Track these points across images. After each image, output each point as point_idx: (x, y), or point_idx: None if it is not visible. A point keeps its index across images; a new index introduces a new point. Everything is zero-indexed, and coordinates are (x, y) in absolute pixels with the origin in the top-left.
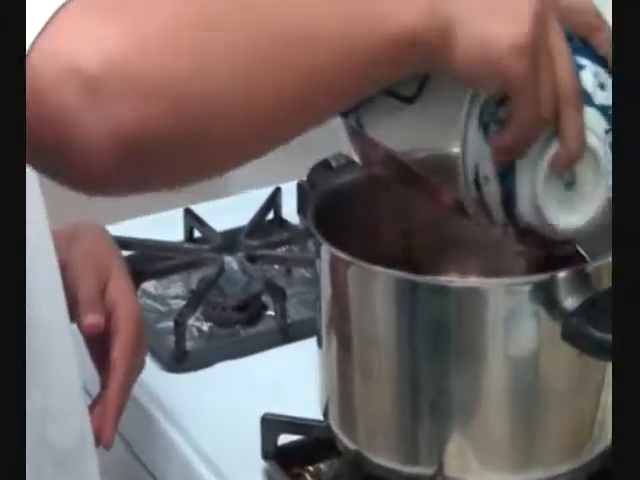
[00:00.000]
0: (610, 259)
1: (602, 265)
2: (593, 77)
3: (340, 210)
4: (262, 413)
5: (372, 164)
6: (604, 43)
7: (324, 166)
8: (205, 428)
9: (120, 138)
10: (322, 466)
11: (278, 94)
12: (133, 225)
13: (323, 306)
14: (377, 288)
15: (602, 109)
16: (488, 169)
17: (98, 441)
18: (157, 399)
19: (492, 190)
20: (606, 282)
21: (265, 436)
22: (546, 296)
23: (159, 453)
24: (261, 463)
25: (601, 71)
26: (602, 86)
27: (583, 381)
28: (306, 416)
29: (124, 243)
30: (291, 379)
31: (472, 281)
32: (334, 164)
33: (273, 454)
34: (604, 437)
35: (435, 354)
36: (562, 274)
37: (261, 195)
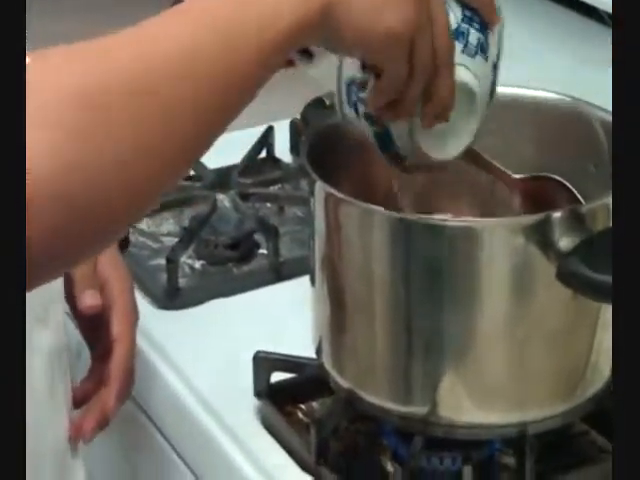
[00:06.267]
0: (604, 200)
1: (597, 206)
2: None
3: (334, 149)
4: (255, 351)
5: None
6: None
7: (318, 104)
8: (197, 366)
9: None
10: (314, 404)
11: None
12: None
13: (316, 244)
14: (371, 227)
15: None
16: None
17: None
18: (149, 336)
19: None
20: (601, 223)
21: (257, 374)
22: (541, 236)
23: (151, 390)
24: (253, 401)
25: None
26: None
27: (577, 322)
28: (299, 354)
29: None
30: (284, 317)
31: (466, 220)
32: (328, 102)
33: (265, 392)
34: (597, 379)
35: (429, 293)
36: (557, 214)
37: (254, 133)
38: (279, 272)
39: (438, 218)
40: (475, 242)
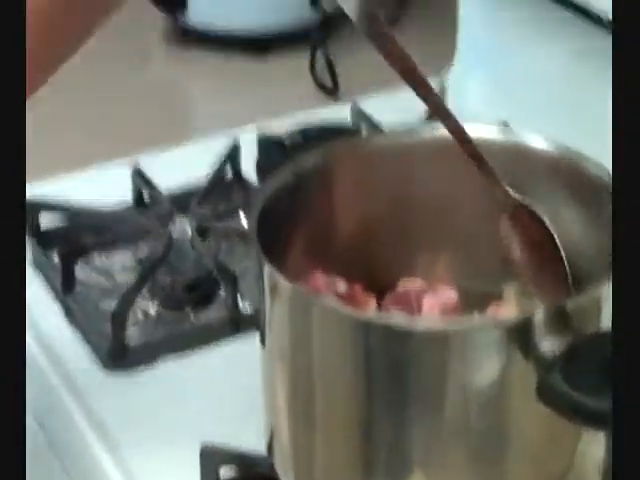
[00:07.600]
0: (595, 293)
1: (587, 300)
2: None
3: (290, 207)
4: (207, 428)
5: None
6: None
7: (276, 146)
8: (140, 451)
9: None
10: None
11: None
12: (74, 180)
13: (267, 335)
14: (328, 326)
15: None
16: None
17: None
18: (86, 405)
19: None
20: (591, 320)
21: (205, 469)
22: (520, 341)
23: (87, 473)
24: None
25: None
26: None
27: (559, 436)
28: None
29: (60, 207)
30: (242, 381)
31: (434, 325)
32: (287, 142)
33: None
34: None
35: (392, 402)
36: (539, 315)
37: (214, 145)
38: (238, 324)
39: (400, 320)
40: (444, 348)
